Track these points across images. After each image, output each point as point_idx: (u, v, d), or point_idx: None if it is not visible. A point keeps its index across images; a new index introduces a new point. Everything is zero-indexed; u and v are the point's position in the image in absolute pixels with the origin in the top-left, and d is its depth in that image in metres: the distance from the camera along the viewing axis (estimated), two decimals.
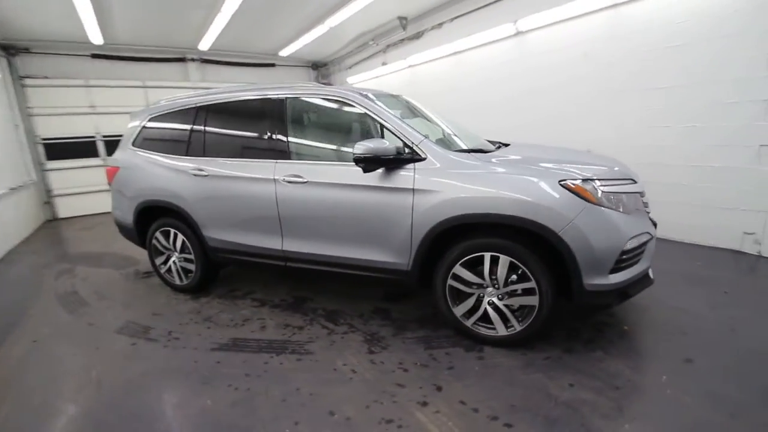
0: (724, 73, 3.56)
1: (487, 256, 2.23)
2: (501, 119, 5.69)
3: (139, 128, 3.56)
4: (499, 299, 2.29)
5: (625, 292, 2.16)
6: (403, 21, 6.88)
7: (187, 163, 3.17)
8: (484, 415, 1.82)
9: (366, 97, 2.64)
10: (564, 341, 2.40)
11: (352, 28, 7.28)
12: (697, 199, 3.92)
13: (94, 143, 7.68)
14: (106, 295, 3.57)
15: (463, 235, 2.32)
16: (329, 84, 6.04)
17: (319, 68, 10.59)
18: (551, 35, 4.96)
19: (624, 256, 2.08)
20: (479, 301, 2.35)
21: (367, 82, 8.72)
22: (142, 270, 4.24)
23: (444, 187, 2.26)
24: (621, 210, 2.11)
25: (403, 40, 7.48)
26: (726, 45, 3.52)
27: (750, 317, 2.59)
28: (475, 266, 2.30)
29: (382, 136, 2.63)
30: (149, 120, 3.53)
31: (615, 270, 2.08)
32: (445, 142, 2.69)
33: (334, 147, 2.93)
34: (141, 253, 4.63)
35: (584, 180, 2.09)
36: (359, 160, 2.32)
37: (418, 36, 7.18)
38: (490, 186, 2.17)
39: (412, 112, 3.09)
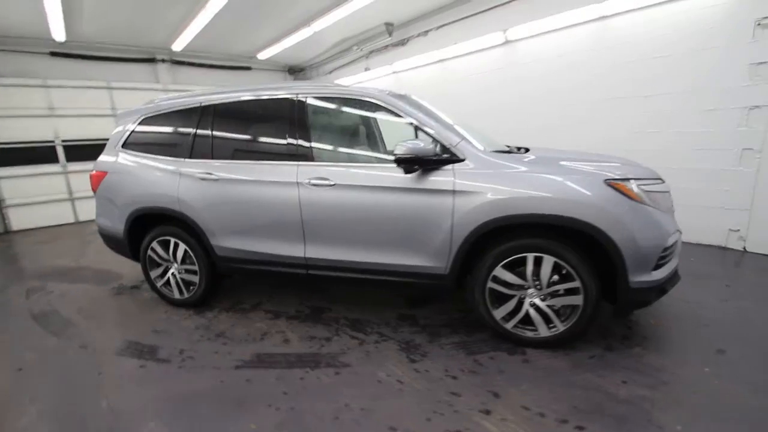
0: (708, 83, 3.84)
1: (530, 256, 2.22)
2: (489, 127, 5.77)
3: (131, 129, 3.26)
4: (542, 300, 2.28)
5: (663, 288, 2.22)
6: (390, 27, 6.90)
7: (192, 167, 2.93)
8: (551, 419, 1.78)
9: (394, 96, 2.57)
10: (601, 339, 2.42)
11: (336, 32, 7.20)
12: (685, 199, 4.16)
13: (53, 148, 6.98)
14: (92, 314, 3.20)
15: (502, 236, 2.29)
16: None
17: (296, 72, 10.39)
18: (540, 45, 5.15)
19: (664, 253, 2.14)
20: (520, 302, 2.32)
21: None
22: (126, 284, 3.86)
23: (486, 188, 2.22)
24: (659, 208, 2.18)
25: (387, 46, 7.50)
26: (709, 57, 3.80)
27: (758, 307, 2.75)
28: (513, 268, 2.28)
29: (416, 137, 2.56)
30: (143, 120, 3.23)
31: (657, 267, 2.14)
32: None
33: (361, 148, 2.83)
34: (121, 266, 4.29)
35: (626, 179, 2.13)
36: (401, 161, 2.24)
37: (403, 42, 7.23)
38: (535, 186, 2.16)
39: (426, 113, 3.05)
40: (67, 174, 7.14)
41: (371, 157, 2.65)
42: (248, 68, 9.48)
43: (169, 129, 3.15)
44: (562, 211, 2.10)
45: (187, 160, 2.97)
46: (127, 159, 3.21)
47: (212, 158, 2.90)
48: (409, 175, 2.32)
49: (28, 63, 6.71)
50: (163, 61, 8.17)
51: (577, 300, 2.19)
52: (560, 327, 2.27)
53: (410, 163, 2.26)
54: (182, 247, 3.05)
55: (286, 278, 3.60)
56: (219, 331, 2.79)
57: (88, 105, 7.16)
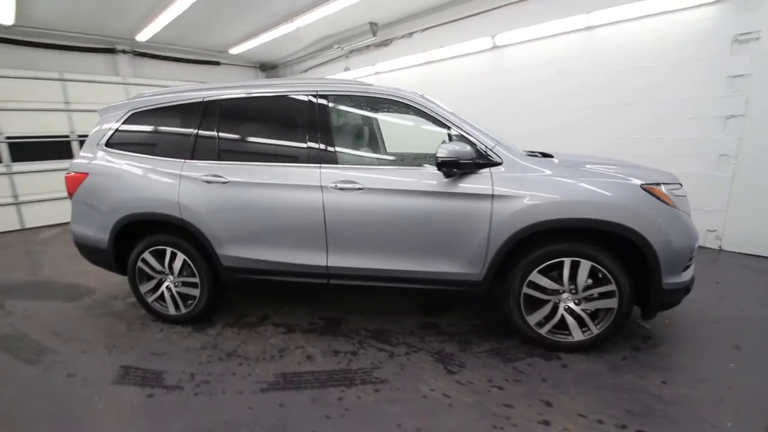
0: (689, 93, 4.11)
1: (567, 261, 2.22)
2: None
3: (116, 127, 2.90)
4: (576, 304, 2.29)
5: (689, 288, 2.31)
6: (374, 27, 6.79)
7: (194, 169, 2.65)
8: (611, 425, 1.77)
9: (424, 97, 2.48)
10: (625, 340, 2.48)
11: (318, 29, 6.97)
12: None
13: None
14: (71, 336, 2.81)
15: (538, 241, 2.27)
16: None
17: (268, 69, 9.98)
18: (528, 51, 5.29)
19: (692, 254, 2.22)
20: (555, 307, 2.32)
21: None
22: (102, 299, 3.45)
23: (526, 193, 2.19)
24: (686, 211, 2.26)
25: (369, 46, 7.38)
26: (690, 69, 4.06)
27: (752, 303, 2.96)
28: (546, 273, 2.28)
29: (450, 140, 2.48)
30: (131, 116, 2.89)
31: (686, 268, 2.22)
32: None
33: (390, 151, 2.70)
34: (89, 278, 3.87)
35: (658, 183, 2.19)
36: (443, 164, 2.15)
37: (386, 43, 7.15)
38: (575, 191, 2.16)
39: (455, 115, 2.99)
40: (11, 175, 6.33)
41: (401, 159, 2.53)
42: (217, 63, 8.97)
43: (164, 127, 2.84)
44: (603, 216, 2.11)
45: (188, 161, 2.69)
46: (113, 159, 2.85)
47: (218, 160, 2.65)
48: (447, 179, 2.23)
49: None
50: (124, 52, 7.48)
51: (612, 303, 2.22)
52: (594, 330, 2.29)
53: (451, 167, 2.18)
54: (180, 257, 2.76)
55: (290, 288, 3.39)
56: (229, 350, 2.54)
57: (38, 98, 6.39)
